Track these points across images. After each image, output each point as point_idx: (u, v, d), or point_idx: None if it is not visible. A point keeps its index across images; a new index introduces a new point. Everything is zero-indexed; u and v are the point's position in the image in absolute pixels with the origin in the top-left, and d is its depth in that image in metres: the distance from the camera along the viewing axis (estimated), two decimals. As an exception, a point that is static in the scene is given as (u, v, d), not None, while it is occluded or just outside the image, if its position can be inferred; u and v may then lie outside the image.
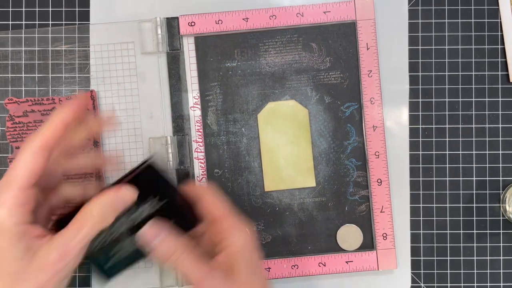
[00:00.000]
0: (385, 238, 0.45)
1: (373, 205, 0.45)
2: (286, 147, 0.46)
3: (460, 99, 0.47)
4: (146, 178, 0.35)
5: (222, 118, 0.46)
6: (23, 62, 0.47)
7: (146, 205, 0.35)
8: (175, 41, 0.46)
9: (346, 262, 0.45)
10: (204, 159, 0.46)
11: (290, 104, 0.46)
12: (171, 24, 0.45)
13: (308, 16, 0.45)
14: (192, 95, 0.46)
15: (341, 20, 0.46)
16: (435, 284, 0.47)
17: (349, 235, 0.46)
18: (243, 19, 0.45)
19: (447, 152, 0.47)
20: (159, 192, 0.35)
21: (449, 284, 0.47)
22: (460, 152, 0.47)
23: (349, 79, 0.46)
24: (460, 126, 0.47)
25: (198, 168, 0.46)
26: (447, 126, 0.47)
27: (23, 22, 0.47)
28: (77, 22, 0.47)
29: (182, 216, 0.36)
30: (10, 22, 0.47)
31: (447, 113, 0.47)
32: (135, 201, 0.34)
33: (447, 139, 0.47)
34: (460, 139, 0.47)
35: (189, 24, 0.45)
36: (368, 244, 0.46)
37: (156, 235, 0.34)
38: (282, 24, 0.45)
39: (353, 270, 0.45)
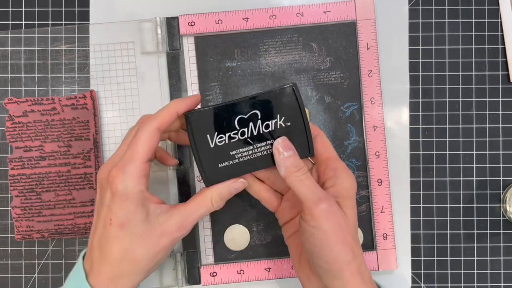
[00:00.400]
0: (385, 238, 0.45)
1: (374, 205, 0.45)
2: (286, 147, 0.46)
3: (460, 99, 0.47)
4: (281, 97, 0.37)
5: (222, 118, 0.46)
6: (23, 62, 0.47)
7: (272, 121, 0.37)
8: (175, 41, 0.45)
9: (346, 262, 0.45)
10: (204, 159, 0.46)
11: (290, 104, 0.46)
12: (171, 24, 0.45)
13: (308, 16, 0.45)
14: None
15: (341, 20, 0.45)
16: (435, 284, 0.47)
17: (349, 235, 0.45)
18: (243, 19, 0.45)
19: (447, 152, 0.47)
20: (288, 115, 0.37)
21: (449, 284, 0.47)
22: (461, 152, 0.47)
23: (349, 79, 0.46)
24: (461, 126, 0.47)
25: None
26: (447, 126, 0.47)
27: (23, 22, 0.47)
28: (76, 22, 0.47)
29: (300, 143, 0.37)
30: (10, 22, 0.47)
31: (447, 113, 0.47)
32: (260, 116, 0.37)
33: (447, 139, 0.47)
34: (461, 139, 0.47)
35: (189, 24, 0.45)
36: (368, 244, 0.46)
37: (288, 148, 0.37)
38: (282, 24, 0.45)
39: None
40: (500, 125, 0.47)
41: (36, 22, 0.47)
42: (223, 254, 0.46)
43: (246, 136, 0.37)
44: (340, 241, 0.34)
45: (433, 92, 0.47)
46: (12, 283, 0.46)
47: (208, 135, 0.37)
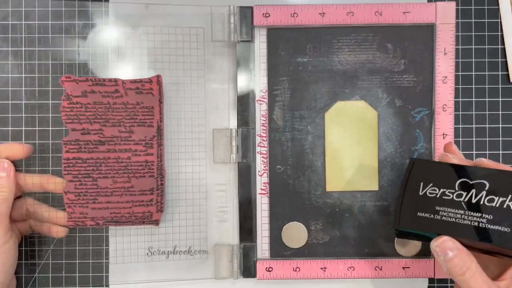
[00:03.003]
0: (443, 246, 0.45)
1: (435, 213, 0.45)
2: (351, 148, 0.45)
3: (460, 99, 0.46)
4: None
5: (288, 114, 0.45)
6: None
7: (501, 198, 0.35)
8: (247, 31, 0.44)
9: (403, 267, 0.45)
10: (267, 154, 0.45)
11: (360, 105, 0.45)
12: (245, 14, 0.44)
13: (386, 15, 0.44)
14: (260, 89, 0.45)
15: (420, 22, 0.44)
16: (436, 285, 0.47)
17: (407, 241, 0.45)
18: (319, 13, 0.44)
19: None
20: None
21: (449, 285, 0.47)
22: (460, 152, 0.46)
23: (422, 83, 0.45)
24: (460, 126, 0.46)
25: (260, 163, 0.45)
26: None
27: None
28: (145, 3, 0.45)
29: None
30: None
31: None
32: (486, 188, 0.35)
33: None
34: (460, 139, 0.46)
35: (264, 15, 0.44)
36: (426, 251, 0.46)
37: (447, 251, 0.34)
38: (359, 22, 0.44)
39: (409, 276, 0.45)
40: (500, 125, 0.47)
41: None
42: (279, 250, 0.46)
43: (461, 199, 0.36)
44: None
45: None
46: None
47: (422, 183, 0.37)
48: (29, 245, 0.46)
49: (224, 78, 0.45)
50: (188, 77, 0.45)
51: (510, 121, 0.47)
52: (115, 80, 0.44)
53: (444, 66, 0.44)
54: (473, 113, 0.47)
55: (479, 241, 0.35)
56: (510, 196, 0.35)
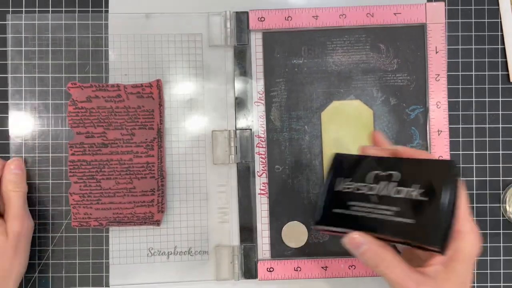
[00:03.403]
0: (444, 243, 0.45)
1: (434, 209, 0.45)
2: (348, 147, 0.46)
3: (460, 99, 0.47)
4: (430, 169, 0.33)
5: (285, 115, 0.46)
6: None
7: (406, 188, 0.34)
8: (243, 36, 0.46)
9: (404, 265, 0.45)
10: (265, 155, 0.46)
11: (355, 104, 0.46)
12: (240, 19, 0.45)
13: (378, 16, 0.45)
14: (257, 90, 0.46)
15: (411, 22, 0.45)
16: None
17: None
18: (312, 16, 0.45)
19: (448, 152, 0.46)
20: (431, 190, 0.33)
21: None
22: (461, 152, 0.47)
23: (416, 81, 0.46)
24: (460, 126, 0.47)
25: (259, 163, 0.46)
26: (448, 126, 0.46)
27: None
28: (145, 13, 0.47)
29: (428, 229, 0.32)
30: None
31: (447, 113, 0.46)
32: (399, 179, 0.34)
33: (448, 139, 0.46)
34: (460, 139, 0.47)
35: (259, 19, 0.45)
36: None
37: (356, 246, 0.34)
38: (351, 24, 0.45)
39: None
40: (500, 125, 0.47)
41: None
42: (280, 250, 0.46)
43: (373, 192, 0.35)
44: None
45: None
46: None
47: (341, 178, 0.36)
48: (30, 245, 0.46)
49: (222, 81, 0.46)
50: (187, 81, 0.46)
51: (510, 121, 0.47)
52: (117, 85, 0.46)
53: (436, 64, 0.45)
54: (473, 113, 0.47)
55: (387, 235, 0.33)
56: (415, 185, 0.33)
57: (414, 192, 0.33)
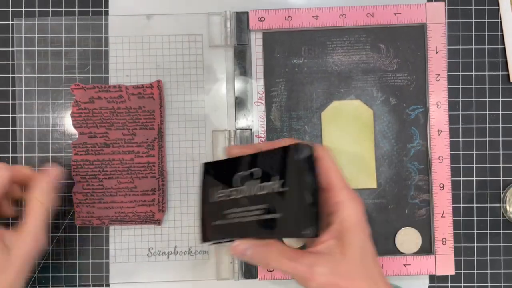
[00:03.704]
0: (444, 243, 0.45)
1: (434, 210, 0.45)
2: (348, 147, 0.46)
3: (460, 99, 0.47)
4: (281, 158, 0.33)
5: (285, 115, 0.46)
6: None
7: (269, 183, 0.33)
8: (243, 36, 0.46)
9: (404, 265, 0.45)
10: (265, 155, 0.46)
11: (355, 104, 0.46)
12: (240, 18, 0.46)
13: (378, 16, 0.45)
14: (257, 90, 0.46)
15: (411, 22, 0.45)
16: (436, 284, 0.46)
17: (408, 238, 0.45)
18: (312, 16, 0.45)
19: (448, 152, 0.46)
20: (287, 178, 0.32)
21: (449, 284, 0.46)
22: (461, 152, 0.46)
23: (416, 81, 0.46)
24: (461, 126, 0.46)
25: (259, 163, 0.46)
26: (448, 126, 0.46)
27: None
28: (146, 14, 0.47)
29: (295, 217, 0.32)
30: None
31: (447, 113, 0.46)
32: (260, 175, 0.33)
33: (448, 139, 0.46)
34: (461, 139, 0.46)
35: (259, 19, 0.46)
36: (427, 248, 0.46)
37: (244, 250, 0.34)
38: (351, 24, 0.45)
39: (410, 273, 0.45)
40: (500, 125, 0.47)
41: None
42: (279, 250, 0.46)
43: (241, 195, 0.34)
44: None
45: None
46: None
47: (213, 188, 0.35)
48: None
49: (223, 81, 0.46)
50: (188, 81, 0.47)
51: (510, 121, 0.47)
52: (119, 86, 0.46)
53: (437, 64, 0.45)
54: (473, 113, 0.47)
55: (263, 235, 0.33)
56: (274, 178, 0.32)
57: (275, 185, 0.32)
